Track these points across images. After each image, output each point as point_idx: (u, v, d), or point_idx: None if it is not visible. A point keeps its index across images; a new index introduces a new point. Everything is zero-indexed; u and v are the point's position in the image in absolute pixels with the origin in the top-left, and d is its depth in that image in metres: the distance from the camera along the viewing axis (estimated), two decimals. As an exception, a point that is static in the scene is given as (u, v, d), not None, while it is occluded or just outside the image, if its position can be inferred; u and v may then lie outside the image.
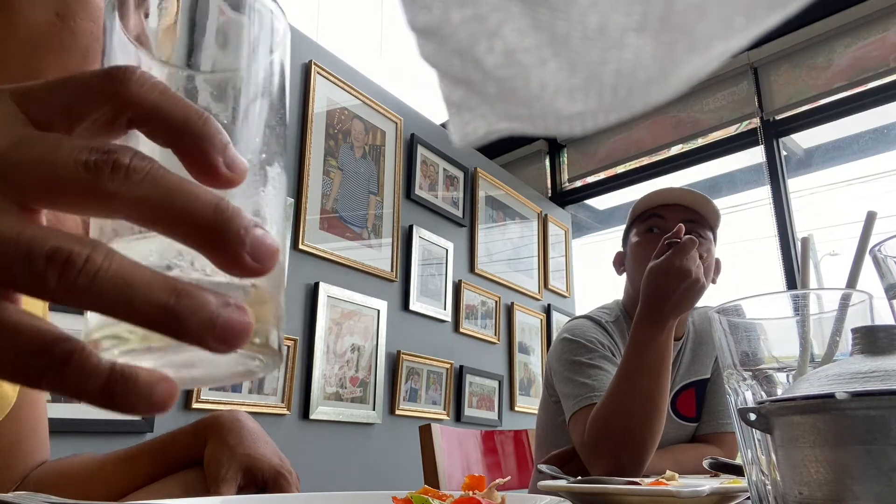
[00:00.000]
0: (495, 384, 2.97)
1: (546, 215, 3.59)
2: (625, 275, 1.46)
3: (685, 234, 1.10)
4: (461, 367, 2.78)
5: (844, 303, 0.43)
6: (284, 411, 2.02)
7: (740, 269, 3.22)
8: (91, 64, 0.51)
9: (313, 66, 2.32)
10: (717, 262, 1.36)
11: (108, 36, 0.24)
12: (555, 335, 3.34)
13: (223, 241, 0.20)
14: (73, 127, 0.21)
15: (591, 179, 3.84)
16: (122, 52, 0.24)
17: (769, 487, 0.40)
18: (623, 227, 1.48)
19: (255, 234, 0.20)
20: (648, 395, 1.07)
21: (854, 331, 0.38)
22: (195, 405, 1.81)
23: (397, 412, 2.43)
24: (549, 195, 3.90)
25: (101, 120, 0.21)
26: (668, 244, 1.09)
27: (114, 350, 0.21)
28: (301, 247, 2.15)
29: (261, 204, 0.24)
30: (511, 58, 0.23)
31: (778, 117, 3.14)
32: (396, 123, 2.70)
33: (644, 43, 0.22)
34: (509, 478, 0.65)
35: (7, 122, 0.20)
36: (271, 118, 0.26)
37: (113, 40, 0.24)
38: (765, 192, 3.08)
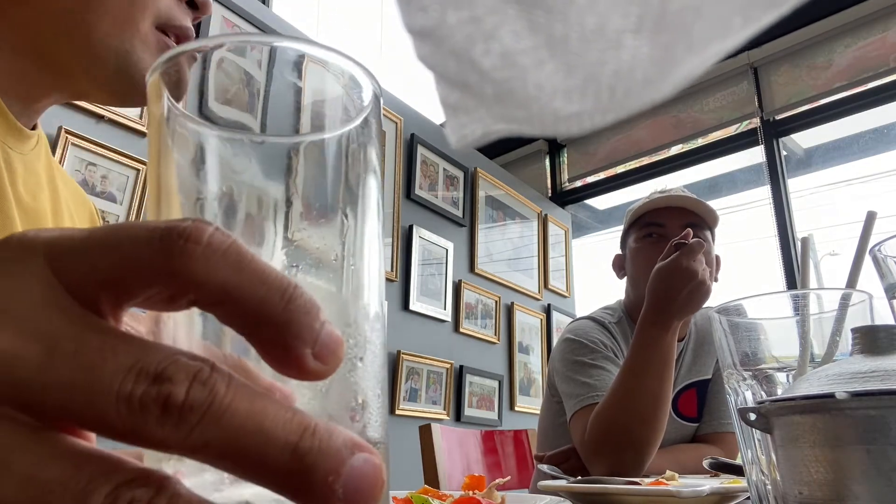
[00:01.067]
0: (495, 384, 2.97)
1: (546, 215, 3.59)
2: (625, 277, 1.46)
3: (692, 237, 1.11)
4: (461, 366, 2.78)
5: (844, 303, 0.43)
6: (285, 412, 2.02)
7: (740, 269, 3.22)
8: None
9: (313, 67, 2.32)
10: (717, 258, 1.37)
11: (163, 119, 0.19)
12: (555, 335, 3.34)
13: (306, 493, 0.15)
14: (122, 305, 0.17)
15: (591, 179, 3.84)
16: (181, 141, 0.18)
17: (769, 487, 0.40)
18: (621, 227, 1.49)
19: (351, 474, 0.15)
20: (652, 394, 1.07)
21: (854, 331, 0.38)
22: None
23: (397, 412, 2.43)
24: (549, 195, 3.90)
25: (156, 297, 0.16)
26: (676, 245, 1.10)
27: None
28: (301, 247, 2.15)
29: (358, 385, 0.19)
30: (508, 59, 0.23)
31: (778, 117, 3.14)
32: (396, 123, 2.70)
33: (641, 44, 0.22)
34: (509, 478, 0.65)
35: (41, 303, 0.15)
36: (366, 238, 0.19)
37: (168, 121, 0.19)
38: (765, 192, 3.08)
